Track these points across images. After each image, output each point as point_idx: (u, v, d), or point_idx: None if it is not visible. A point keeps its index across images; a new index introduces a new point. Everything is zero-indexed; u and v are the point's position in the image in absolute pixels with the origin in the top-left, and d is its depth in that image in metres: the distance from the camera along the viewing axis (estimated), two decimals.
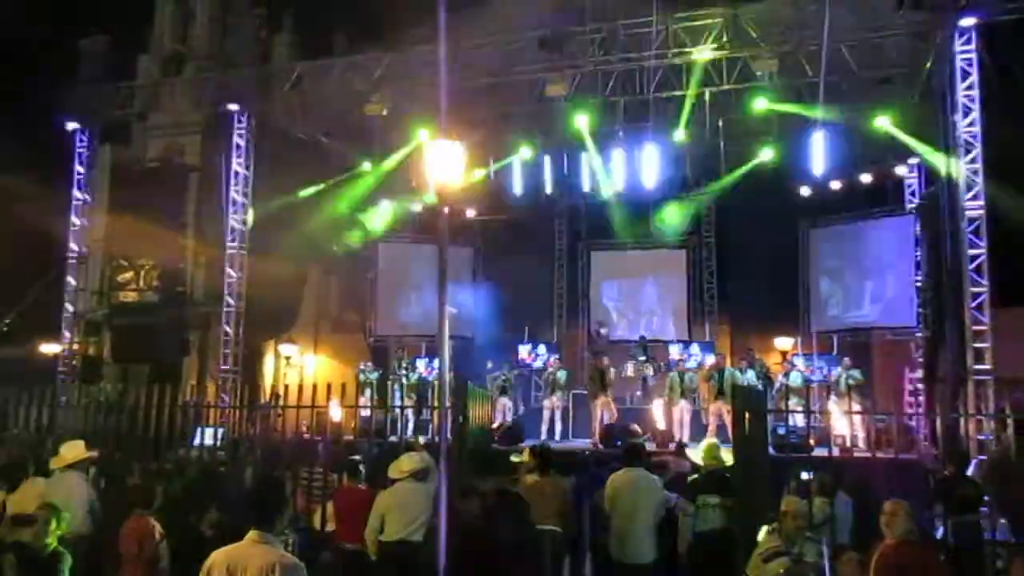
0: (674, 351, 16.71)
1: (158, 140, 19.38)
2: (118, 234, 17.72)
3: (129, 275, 17.79)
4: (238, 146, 15.14)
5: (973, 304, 10.94)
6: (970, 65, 11.09)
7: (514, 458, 8.04)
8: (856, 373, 13.48)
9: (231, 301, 15.03)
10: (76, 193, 16.37)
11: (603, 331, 17.27)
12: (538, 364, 17.09)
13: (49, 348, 17.49)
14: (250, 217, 15.28)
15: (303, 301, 19.85)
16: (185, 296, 18.29)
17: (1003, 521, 7.24)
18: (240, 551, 3.83)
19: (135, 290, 17.78)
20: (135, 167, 18.61)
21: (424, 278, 17.71)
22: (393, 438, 11.37)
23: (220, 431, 10.72)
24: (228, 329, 14.98)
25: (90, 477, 7.46)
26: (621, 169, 15.41)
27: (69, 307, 16.28)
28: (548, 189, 17.01)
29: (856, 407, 12.41)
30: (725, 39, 12.16)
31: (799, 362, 14.76)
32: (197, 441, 9.91)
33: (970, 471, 8.56)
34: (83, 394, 11.29)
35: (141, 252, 17.76)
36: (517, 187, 16.83)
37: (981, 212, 11.03)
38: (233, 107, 15.01)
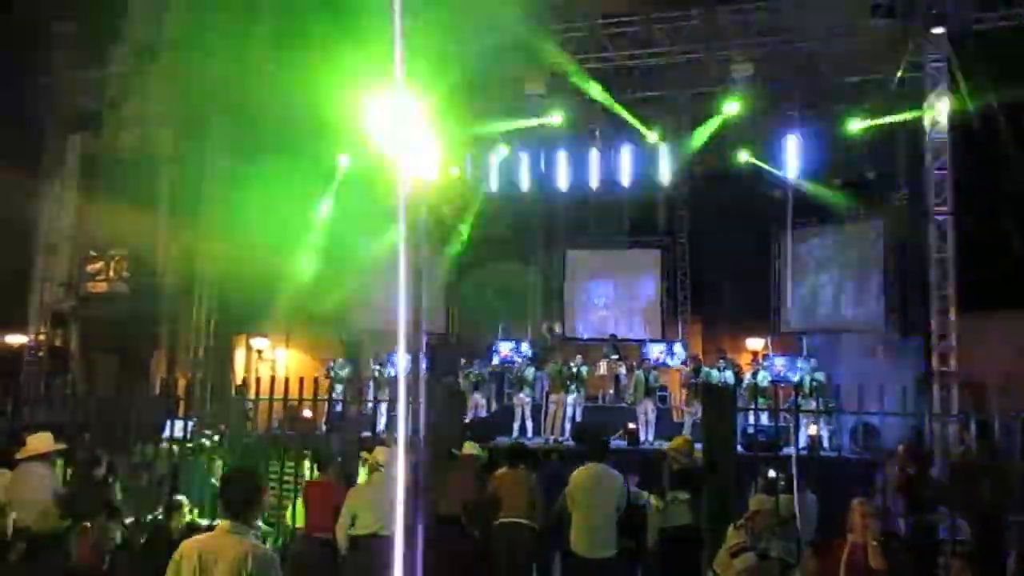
0: (656, 350, 16.47)
1: (131, 130, 19.08)
2: (88, 224, 17.45)
3: (99, 265, 17.54)
4: (216, 138, 14.97)
5: (939, 307, 11.13)
6: (940, 72, 11.29)
7: (471, 451, 8.02)
8: (820, 376, 13.60)
9: (203, 293, 14.88)
10: (45, 182, 16.11)
11: (556, 330, 17.31)
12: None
13: (15, 339, 17.21)
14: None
15: (277, 294, 19.63)
16: (156, 287, 18.06)
17: (963, 523, 7.33)
18: (213, 541, 3.78)
19: (104, 280, 17.53)
20: (106, 157, 18.33)
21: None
22: (366, 433, 11.30)
23: (190, 424, 10.59)
24: (200, 320, 14.82)
25: (56, 469, 7.38)
26: (597, 168, 15.48)
27: (36, 298, 16.03)
28: (524, 187, 17.06)
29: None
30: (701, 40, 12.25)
31: (779, 362, 14.79)
32: (167, 433, 9.79)
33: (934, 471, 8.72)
34: (49, 385, 11.13)
35: (111, 243, 17.49)
36: (493, 184, 16.84)
37: (948, 218, 11.23)
38: (211, 98, 14.86)
